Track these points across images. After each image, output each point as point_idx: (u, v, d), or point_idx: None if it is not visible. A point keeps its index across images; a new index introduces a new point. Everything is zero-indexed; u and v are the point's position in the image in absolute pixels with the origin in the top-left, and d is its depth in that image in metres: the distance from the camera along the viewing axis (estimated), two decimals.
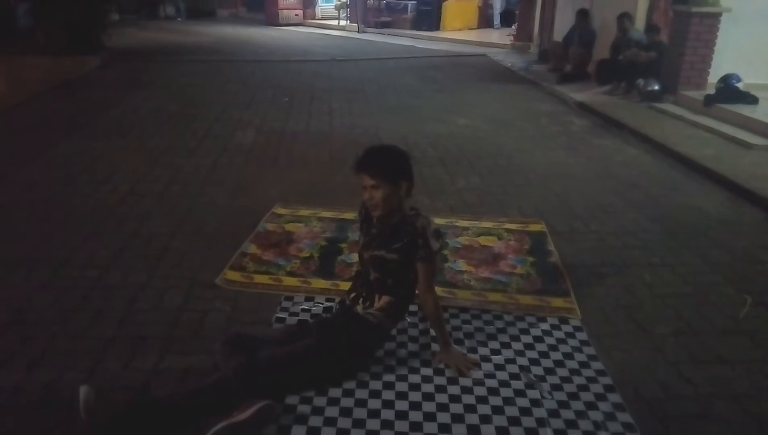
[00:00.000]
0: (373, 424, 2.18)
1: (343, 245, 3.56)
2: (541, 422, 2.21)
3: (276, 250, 3.50)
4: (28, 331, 2.68)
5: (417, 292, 2.52)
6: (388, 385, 2.38)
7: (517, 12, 14.02)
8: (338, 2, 18.08)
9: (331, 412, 2.23)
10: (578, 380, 2.44)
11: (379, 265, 2.47)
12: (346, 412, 2.23)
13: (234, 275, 3.21)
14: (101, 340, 2.62)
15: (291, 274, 3.25)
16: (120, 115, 6.69)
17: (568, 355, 2.60)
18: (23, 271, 3.20)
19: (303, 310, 2.91)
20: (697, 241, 3.79)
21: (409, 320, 2.80)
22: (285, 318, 2.83)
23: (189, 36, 14.70)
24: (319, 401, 2.28)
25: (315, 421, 2.18)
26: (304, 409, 2.24)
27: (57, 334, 2.66)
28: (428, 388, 2.38)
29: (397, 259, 2.43)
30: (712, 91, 6.74)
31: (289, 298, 3.00)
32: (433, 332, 2.64)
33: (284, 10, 17.75)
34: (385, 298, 2.47)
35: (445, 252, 3.49)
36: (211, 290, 3.06)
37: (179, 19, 18.75)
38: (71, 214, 3.97)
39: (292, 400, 2.27)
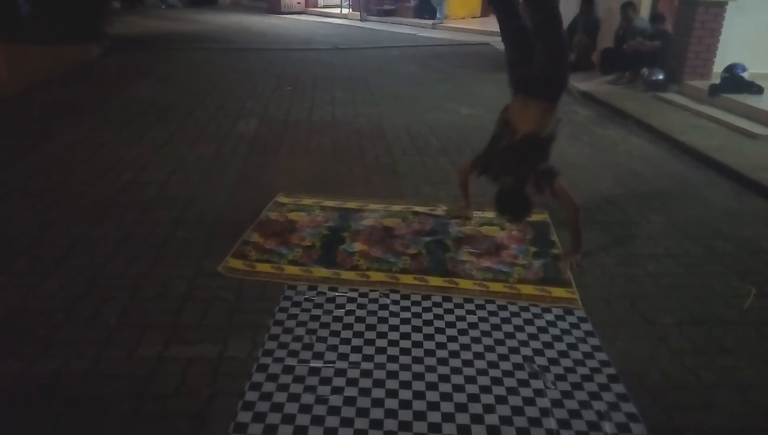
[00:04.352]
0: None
1: (345, 234, 3.56)
2: (544, 412, 2.22)
3: (278, 238, 3.50)
4: (32, 320, 2.69)
5: None
6: (392, 374, 2.39)
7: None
8: None
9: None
10: (582, 371, 2.45)
11: None
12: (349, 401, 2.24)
13: (236, 263, 3.21)
14: (106, 329, 2.63)
15: (293, 262, 3.25)
16: (122, 104, 6.67)
17: (572, 346, 2.61)
18: (27, 260, 3.21)
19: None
20: (702, 232, 3.77)
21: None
22: (288, 307, 2.83)
23: (191, 24, 14.63)
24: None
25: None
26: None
27: (61, 323, 2.67)
28: (432, 377, 2.38)
29: None
30: (717, 80, 6.69)
31: (293, 287, 3.00)
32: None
33: None
34: None
35: (447, 241, 3.49)
36: (214, 279, 3.06)
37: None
38: (74, 202, 3.97)
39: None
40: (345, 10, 17.48)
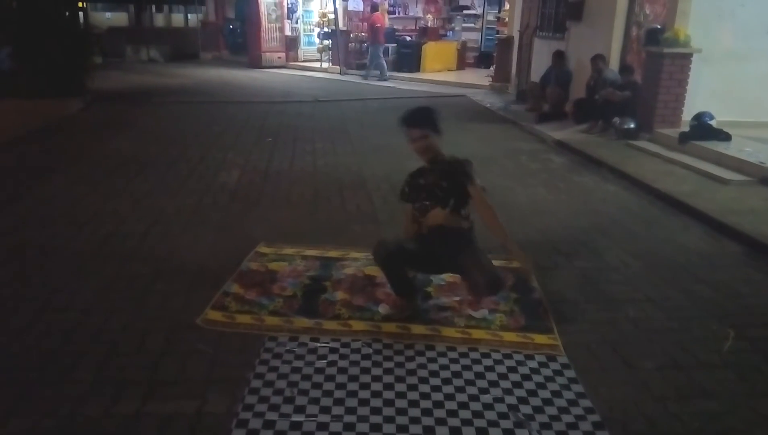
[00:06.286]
0: None
1: (327, 283, 3.54)
2: None
3: (259, 289, 3.47)
4: (3, 378, 2.61)
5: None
6: (376, 427, 2.35)
7: (494, 54, 14.36)
8: (320, 45, 18.39)
9: None
10: (567, 418, 2.43)
11: (434, 194, 3.14)
12: None
13: (215, 315, 3.17)
14: (81, 386, 2.56)
15: (274, 313, 3.22)
16: (102, 157, 6.67)
17: (556, 393, 2.59)
18: (1, 315, 3.13)
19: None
20: (679, 276, 3.83)
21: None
22: (269, 359, 2.79)
23: (172, 78, 14.80)
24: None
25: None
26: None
27: (35, 380, 2.59)
28: (416, 429, 2.34)
29: (447, 186, 3.12)
30: (686, 128, 6.91)
31: (273, 339, 2.96)
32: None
33: (267, 53, 17.98)
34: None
35: (429, 289, 3.49)
36: (193, 332, 3.01)
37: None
38: (51, 256, 3.91)
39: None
40: (325, 64, 17.84)
